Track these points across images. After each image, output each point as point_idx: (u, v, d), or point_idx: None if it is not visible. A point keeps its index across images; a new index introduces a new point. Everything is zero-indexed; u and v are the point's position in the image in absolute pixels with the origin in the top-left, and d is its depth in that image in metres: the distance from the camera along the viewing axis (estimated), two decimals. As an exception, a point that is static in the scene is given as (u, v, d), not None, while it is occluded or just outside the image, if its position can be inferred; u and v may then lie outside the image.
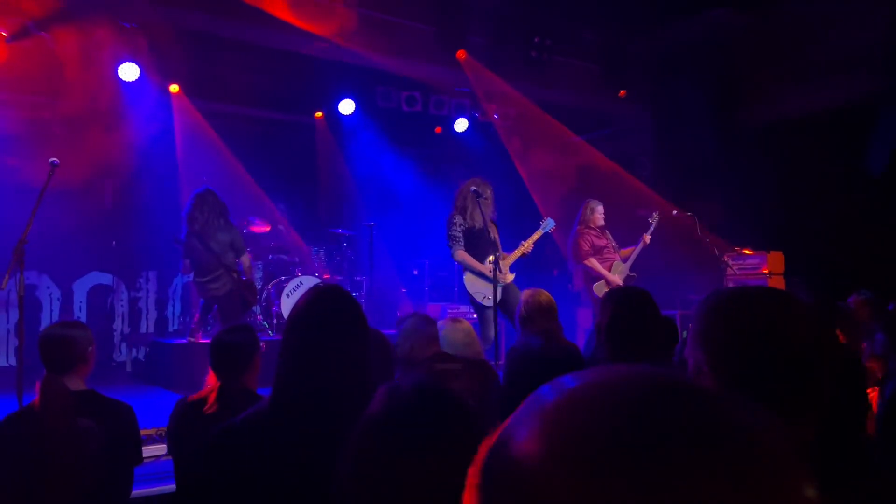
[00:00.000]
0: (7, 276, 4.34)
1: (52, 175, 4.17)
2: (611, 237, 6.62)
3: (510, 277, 5.70)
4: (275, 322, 7.19)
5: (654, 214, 6.53)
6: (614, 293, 2.42)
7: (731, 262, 6.85)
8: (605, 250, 6.46)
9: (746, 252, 6.98)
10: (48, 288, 7.46)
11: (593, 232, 6.48)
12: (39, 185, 4.19)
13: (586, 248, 6.36)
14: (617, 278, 6.32)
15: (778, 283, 6.74)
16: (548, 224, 5.93)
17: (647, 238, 6.46)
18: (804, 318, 1.11)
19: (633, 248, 6.52)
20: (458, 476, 1.06)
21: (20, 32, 6.08)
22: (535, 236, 5.83)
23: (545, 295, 3.58)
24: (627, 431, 0.41)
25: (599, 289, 6.29)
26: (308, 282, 7.22)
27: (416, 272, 9.25)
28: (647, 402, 0.43)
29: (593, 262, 6.35)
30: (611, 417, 0.42)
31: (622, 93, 8.17)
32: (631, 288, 2.41)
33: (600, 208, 6.57)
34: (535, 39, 7.39)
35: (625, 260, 6.48)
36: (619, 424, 0.42)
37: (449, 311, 8.12)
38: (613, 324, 2.28)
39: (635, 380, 0.45)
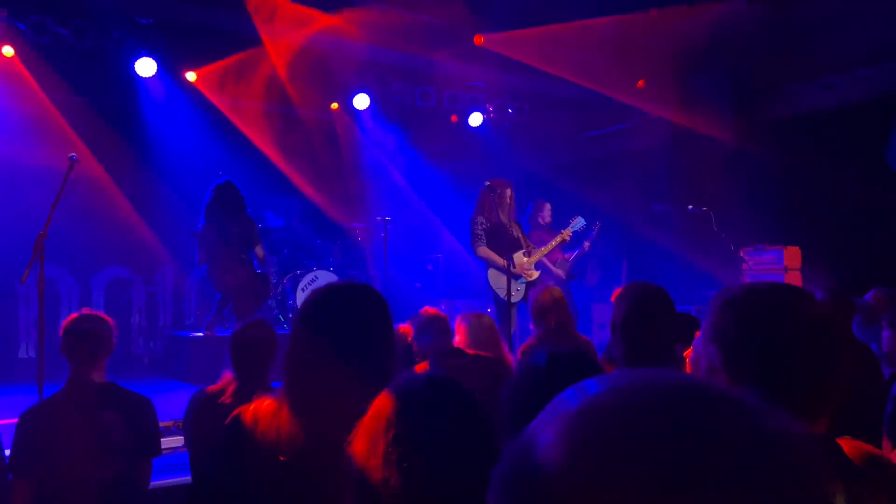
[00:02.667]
0: (27, 270, 4.41)
1: (72, 170, 4.22)
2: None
3: (535, 275, 5.75)
4: (290, 316, 7.23)
5: (597, 223, 6.89)
6: (628, 290, 2.40)
7: (747, 258, 6.80)
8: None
9: (763, 247, 6.92)
10: (67, 282, 7.55)
11: (542, 229, 6.84)
12: (59, 181, 4.25)
13: (533, 241, 6.71)
14: (560, 272, 6.82)
15: (794, 278, 6.68)
16: (578, 223, 6.10)
17: (587, 245, 6.90)
18: (817, 314, 1.10)
19: (571, 253, 6.98)
20: (467, 466, 1.08)
21: (40, 28, 6.15)
22: (565, 234, 6.01)
23: (556, 291, 3.59)
24: (653, 439, 0.41)
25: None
26: (323, 276, 7.26)
27: (430, 267, 9.26)
28: (673, 409, 0.42)
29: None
30: (636, 425, 0.42)
31: (640, 83, 8.10)
32: (646, 284, 2.40)
33: (547, 206, 7.02)
34: (551, 33, 7.34)
35: (566, 261, 6.94)
36: (645, 432, 0.41)
37: (464, 306, 8.13)
38: (627, 321, 2.27)
39: (660, 386, 0.45)
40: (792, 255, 6.75)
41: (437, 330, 3.17)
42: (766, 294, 1.14)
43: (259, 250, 6.26)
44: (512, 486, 0.46)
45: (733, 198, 7.05)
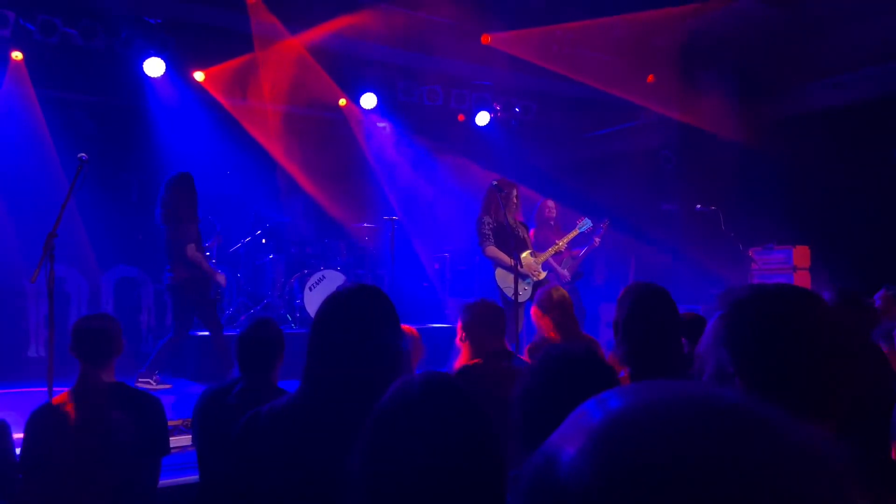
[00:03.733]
0: (38, 269, 4.44)
1: (81, 170, 4.24)
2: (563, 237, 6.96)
3: (542, 275, 5.74)
4: (297, 315, 7.24)
5: (605, 221, 6.89)
6: (630, 290, 2.40)
7: (756, 257, 6.78)
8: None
9: (772, 246, 6.89)
10: (76, 281, 7.60)
11: (549, 228, 6.85)
12: (68, 180, 4.28)
13: (539, 240, 6.76)
14: (566, 273, 6.81)
15: (804, 277, 6.65)
16: (585, 224, 6.09)
17: (597, 241, 6.87)
18: (830, 317, 1.10)
19: (580, 250, 6.93)
20: (461, 468, 1.08)
21: (49, 29, 6.19)
22: (571, 236, 5.98)
23: (559, 291, 3.58)
24: (679, 458, 0.40)
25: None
26: (330, 275, 7.27)
27: (437, 266, 9.27)
28: (699, 426, 0.42)
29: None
30: (661, 443, 0.41)
31: (650, 77, 8.06)
32: (647, 284, 2.39)
33: (551, 203, 6.96)
34: (558, 33, 7.34)
35: (574, 258, 6.92)
36: (671, 451, 0.41)
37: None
38: (629, 322, 2.26)
39: (683, 402, 0.44)
40: (801, 255, 6.72)
41: (494, 326, 2.94)
42: (778, 297, 1.13)
43: (188, 249, 5.61)
44: (535, 499, 0.45)
45: (742, 197, 7.03)
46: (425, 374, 1.19)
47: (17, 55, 6.52)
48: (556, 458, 0.45)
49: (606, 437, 0.43)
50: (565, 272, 6.75)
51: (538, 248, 6.45)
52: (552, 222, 6.88)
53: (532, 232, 6.55)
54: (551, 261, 6.62)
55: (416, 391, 1.15)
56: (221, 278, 5.86)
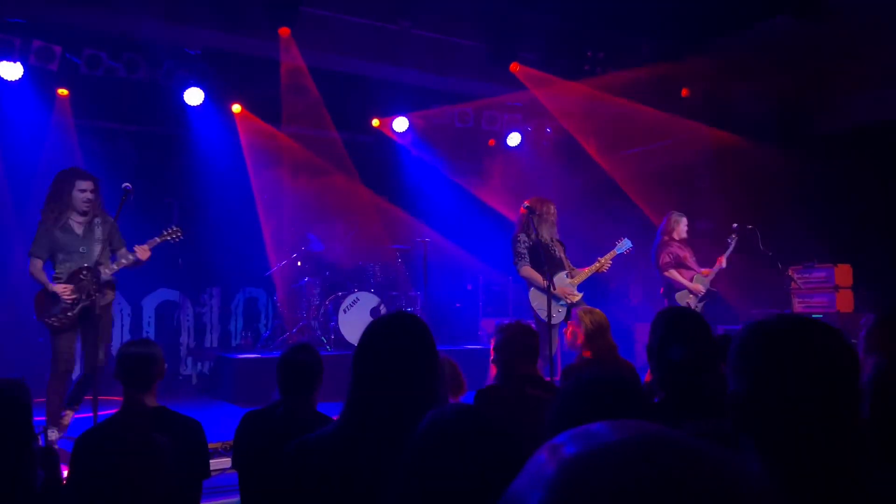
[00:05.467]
0: (83, 293, 4.59)
1: (126, 199, 4.38)
2: (692, 252, 6.67)
3: (577, 297, 5.61)
4: (332, 337, 7.31)
5: (734, 236, 6.58)
6: (663, 315, 2.37)
7: (796, 276, 6.64)
8: (687, 261, 6.57)
9: (812, 265, 6.75)
10: (119, 304, 7.79)
11: (676, 243, 6.56)
12: (113, 208, 4.44)
13: (667, 259, 6.47)
14: (699, 287, 6.44)
15: (846, 296, 6.49)
16: (624, 245, 5.91)
17: (723, 261, 6.52)
18: (847, 355, 1.11)
19: (710, 269, 6.60)
20: (491, 495, 1.09)
21: (95, 62, 6.44)
22: (609, 256, 5.78)
23: (596, 315, 3.53)
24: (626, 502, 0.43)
25: (682, 298, 6.42)
26: (364, 297, 7.33)
27: (469, 287, 9.28)
28: (645, 472, 0.45)
29: (673, 273, 6.47)
30: (607, 490, 0.44)
31: (685, 91, 8.00)
32: (681, 309, 2.37)
33: (684, 220, 6.65)
34: (588, 53, 7.36)
35: (704, 276, 6.56)
36: (616, 496, 0.44)
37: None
38: (663, 347, 2.24)
39: (631, 445, 0.47)
40: (843, 273, 6.57)
41: (526, 351, 2.90)
42: (799, 334, 1.14)
43: None
44: None
45: (780, 214, 6.90)
46: (456, 405, 1.21)
47: (62, 91, 6.85)
48: (517, 492, 0.48)
49: (561, 488, 0.46)
50: (699, 287, 6.45)
51: (675, 266, 6.38)
52: (679, 238, 6.59)
53: (657, 244, 6.42)
54: (679, 277, 6.41)
55: (446, 424, 1.17)
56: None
